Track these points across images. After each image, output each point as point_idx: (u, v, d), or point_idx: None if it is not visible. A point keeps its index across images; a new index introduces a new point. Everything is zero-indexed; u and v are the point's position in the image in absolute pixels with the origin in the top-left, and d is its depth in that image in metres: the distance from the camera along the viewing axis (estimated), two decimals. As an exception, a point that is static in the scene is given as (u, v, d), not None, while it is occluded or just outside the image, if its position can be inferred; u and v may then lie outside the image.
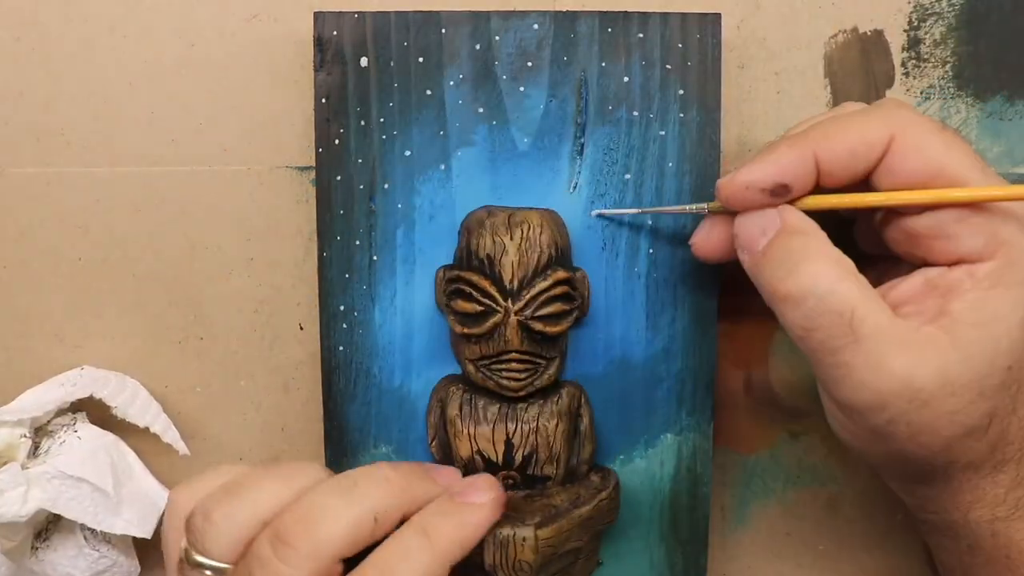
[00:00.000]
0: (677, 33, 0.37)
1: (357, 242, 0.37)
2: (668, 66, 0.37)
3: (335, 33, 0.36)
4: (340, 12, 0.36)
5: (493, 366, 0.36)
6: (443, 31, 0.37)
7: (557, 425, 0.36)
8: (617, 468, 0.38)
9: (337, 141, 0.37)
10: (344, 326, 0.38)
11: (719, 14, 0.37)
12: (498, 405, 0.36)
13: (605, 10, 0.37)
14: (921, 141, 0.28)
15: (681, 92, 0.37)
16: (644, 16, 0.36)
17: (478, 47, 0.37)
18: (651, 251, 0.37)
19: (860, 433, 0.30)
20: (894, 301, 0.30)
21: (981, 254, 0.28)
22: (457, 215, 0.37)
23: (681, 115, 0.37)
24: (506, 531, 0.34)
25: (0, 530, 0.36)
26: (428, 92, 0.37)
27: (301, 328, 0.40)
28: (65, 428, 0.38)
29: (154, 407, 0.40)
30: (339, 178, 0.37)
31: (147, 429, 0.39)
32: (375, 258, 0.38)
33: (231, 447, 0.41)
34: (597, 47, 0.37)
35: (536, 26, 0.37)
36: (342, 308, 0.38)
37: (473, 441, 0.36)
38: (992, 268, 0.28)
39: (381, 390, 0.38)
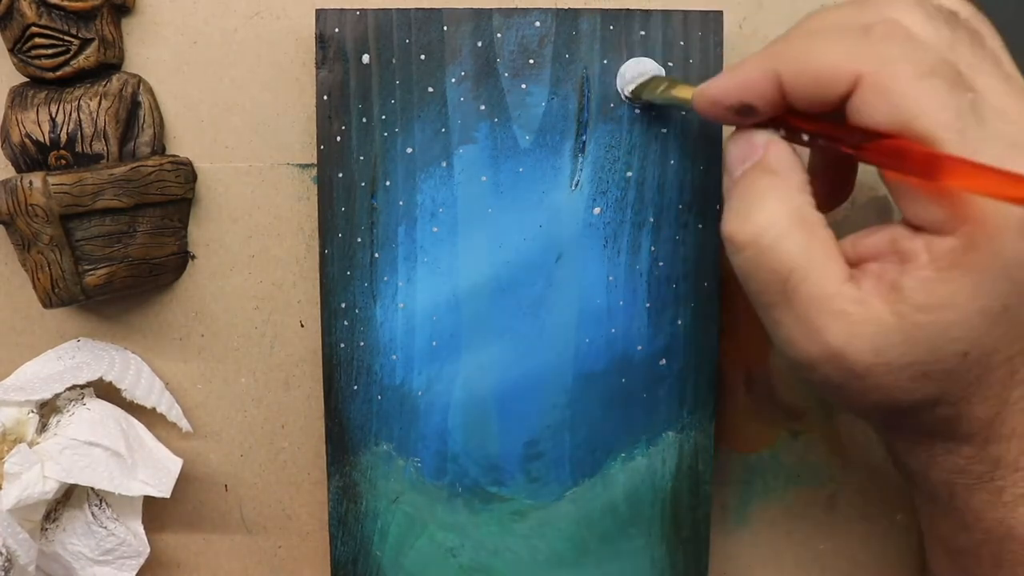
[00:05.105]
0: (679, 31, 0.37)
1: (359, 239, 0.37)
2: (670, 64, 0.37)
3: (337, 30, 0.36)
4: (342, 9, 0.36)
5: (24, 49, 0.36)
6: (445, 28, 0.37)
7: (100, 103, 0.36)
8: (619, 466, 0.38)
9: (339, 138, 0.37)
10: (345, 323, 0.38)
11: (721, 12, 0.37)
12: (45, 91, 0.37)
13: (607, 8, 0.37)
14: (892, 85, 0.24)
15: (683, 90, 0.37)
16: (646, 14, 0.37)
17: (480, 44, 0.37)
18: (653, 248, 0.37)
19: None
20: (861, 254, 0.27)
21: (941, 227, 0.24)
22: (459, 212, 0.37)
23: (683, 112, 0.37)
24: (14, 178, 0.35)
25: (23, 512, 0.36)
26: (430, 89, 0.37)
27: (302, 325, 0.40)
28: (74, 402, 0.38)
29: (158, 384, 0.40)
30: (340, 175, 0.37)
31: (153, 409, 0.39)
32: (376, 255, 0.37)
33: (232, 444, 0.41)
34: (599, 44, 0.37)
35: (538, 23, 0.37)
36: (343, 305, 0.38)
37: (21, 126, 0.36)
38: (952, 246, 0.24)
39: (382, 387, 0.38)
